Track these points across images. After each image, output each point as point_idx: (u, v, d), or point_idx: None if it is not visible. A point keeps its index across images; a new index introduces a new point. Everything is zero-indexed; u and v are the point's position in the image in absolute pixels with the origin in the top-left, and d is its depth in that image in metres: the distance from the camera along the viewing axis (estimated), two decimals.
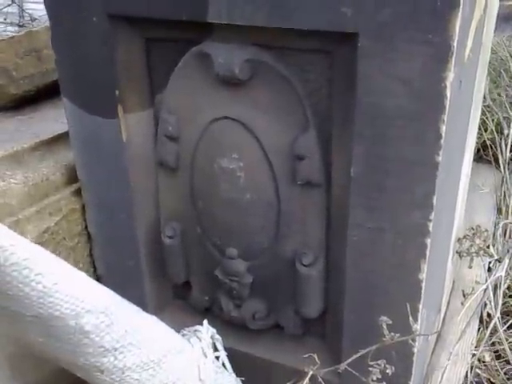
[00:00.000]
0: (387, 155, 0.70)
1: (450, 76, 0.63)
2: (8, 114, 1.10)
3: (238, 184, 0.82)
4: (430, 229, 0.72)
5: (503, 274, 1.06)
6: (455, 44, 0.62)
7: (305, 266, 0.84)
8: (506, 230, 1.49)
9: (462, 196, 1.15)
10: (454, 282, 1.28)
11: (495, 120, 1.86)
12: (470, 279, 1.28)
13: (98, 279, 1.02)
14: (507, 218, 1.55)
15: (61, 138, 0.99)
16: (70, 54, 0.83)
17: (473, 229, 1.16)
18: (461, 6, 0.60)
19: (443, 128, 0.66)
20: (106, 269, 1.00)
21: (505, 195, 1.63)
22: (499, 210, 1.61)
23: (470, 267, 1.20)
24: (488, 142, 1.82)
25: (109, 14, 0.77)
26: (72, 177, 0.96)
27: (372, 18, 0.64)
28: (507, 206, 1.59)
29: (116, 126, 0.85)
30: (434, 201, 0.70)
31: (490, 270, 1.31)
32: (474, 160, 1.77)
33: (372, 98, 0.68)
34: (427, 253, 0.74)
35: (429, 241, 0.73)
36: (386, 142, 0.69)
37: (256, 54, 0.74)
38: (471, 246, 1.14)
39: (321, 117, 0.76)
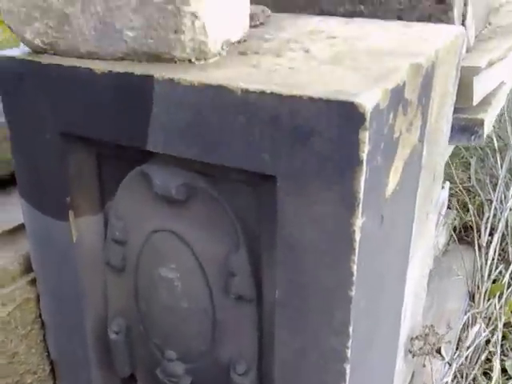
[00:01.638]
0: (306, 282, 0.73)
1: (359, 222, 0.67)
2: None
3: (175, 292, 0.86)
4: (348, 355, 0.75)
5: (449, 379, 1.07)
6: (361, 196, 0.65)
7: (238, 374, 0.87)
8: (474, 319, 1.49)
9: (416, 294, 1.17)
10: (413, 375, 1.29)
11: (477, 202, 1.88)
12: (428, 372, 1.29)
13: (52, 363, 1.05)
14: (479, 306, 1.56)
15: (23, 228, 1.05)
16: (25, 161, 0.89)
17: (427, 328, 1.17)
18: (364, 164, 0.64)
19: (354, 267, 0.69)
20: (58, 354, 1.04)
21: (480, 281, 1.64)
22: (472, 297, 1.61)
23: (424, 366, 1.21)
24: (469, 224, 1.83)
25: (61, 133, 0.83)
26: (29, 267, 1.01)
27: (287, 165, 0.68)
28: (480, 294, 1.59)
29: (67, 228, 0.90)
30: (350, 330, 0.73)
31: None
32: (455, 241, 1.79)
33: (289, 230, 0.71)
34: (347, 378, 0.76)
35: (348, 366, 0.76)
36: (304, 270, 0.73)
37: (191, 178, 0.79)
38: (424, 345, 1.15)
39: (251, 238, 0.80)
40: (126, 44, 0.77)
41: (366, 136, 0.63)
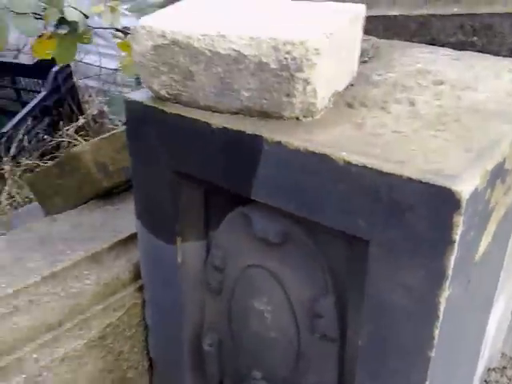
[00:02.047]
0: (388, 338, 0.79)
1: (445, 293, 0.72)
2: (100, 202, 1.30)
3: (265, 322, 0.95)
4: None
5: None
6: (450, 271, 0.70)
7: None
8: None
9: (498, 327, 1.18)
10: None
11: None
12: None
13: (150, 360, 1.19)
14: None
15: (135, 237, 1.17)
16: (143, 190, 1.01)
17: (505, 360, 1.19)
18: (456, 243, 0.68)
19: (436, 331, 0.74)
20: (156, 354, 1.17)
21: None
22: None
23: None
24: None
25: (175, 171, 0.93)
26: (137, 274, 1.14)
27: (381, 234, 0.74)
28: None
29: (174, 250, 1.01)
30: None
31: None
32: None
33: (377, 290, 0.77)
34: None
35: None
36: (387, 327, 0.78)
37: (288, 226, 0.86)
38: (501, 377, 1.18)
39: (339, 285, 0.86)
40: (241, 102, 0.85)
41: (460, 220, 0.67)
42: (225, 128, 0.84)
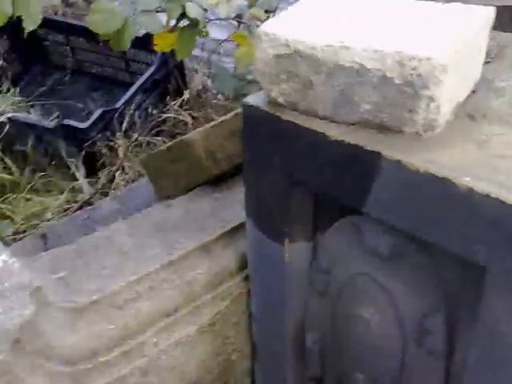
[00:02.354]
0: (499, 366, 0.78)
1: None
2: (208, 189, 1.35)
3: (370, 331, 0.96)
4: None
5: None
6: None
7: None
8: None
9: None
10: None
11: None
12: None
13: (253, 344, 1.25)
14: None
15: (242, 228, 1.21)
16: (254, 191, 1.03)
17: None
18: None
19: None
20: (259, 340, 1.22)
21: None
22: None
23: None
24: None
25: (287, 176, 0.94)
26: (244, 264, 1.18)
27: (499, 264, 0.71)
28: None
29: (281, 250, 1.03)
30: None
31: None
32: None
33: (493, 317, 0.76)
34: None
35: None
36: (500, 354, 0.77)
37: (401, 241, 0.85)
38: None
39: (452, 304, 0.85)
40: (361, 115, 0.83)
41: None
42: (342, 141, 0.84)
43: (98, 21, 1.14)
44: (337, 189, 0.89)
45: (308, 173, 0.92)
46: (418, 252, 0.85)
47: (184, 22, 1.20)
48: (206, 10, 1.19)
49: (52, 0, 1.05)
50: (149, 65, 2.14)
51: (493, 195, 0.69)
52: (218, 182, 1.38)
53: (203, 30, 1.21)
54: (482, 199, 0.70)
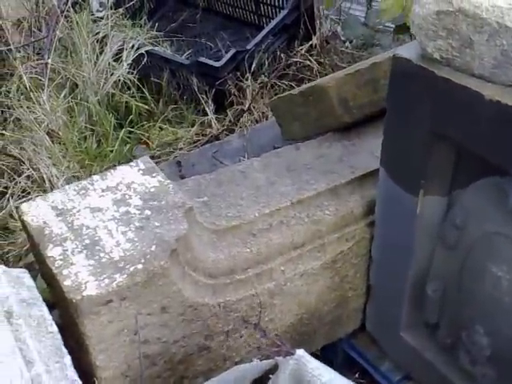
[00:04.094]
0: None
1: None
2: (336, 135, 1.41)
3: (500, 287, 0.99)
4: None
5: None
6: None
7: None
8: None
9: None
10: None
11: None
12: None
13: (368, 286, 1.32)
14: None
15: (370, 176, 1.26)
16: (393, 141, 1.07)
17: None
18: None
19: None
20: (375, 282, 1.30)
21: None
22: None
23: None
24: None
25: (432, 131, 0.98)
26: (369, 210, 1.24)
27: None
28: None
29: (414, 201, 1.08)
30: None
31: None
32: None
33: None
34: None
35: None
36: None
37: None
38: None
39: None
40: None
41: None
42: (498, 101, 0.85)
43: None
44: (486, 147, 0.91)
45: (457, 128, 0.94)
46: None
47: None
48: None
49: None
50: (278, 8, 2.17)
51: None
52: (346, 129, 1.43)
53: None
54: None
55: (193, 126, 1.88)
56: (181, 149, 1.81)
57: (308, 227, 1.20)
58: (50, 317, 0.73)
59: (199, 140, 1.84)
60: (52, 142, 1.71)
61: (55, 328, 0.72)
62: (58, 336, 0.72)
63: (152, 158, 1.69)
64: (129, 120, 1.92)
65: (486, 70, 0.88)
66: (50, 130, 1.73)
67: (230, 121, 1.87)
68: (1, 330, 0.62)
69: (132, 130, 1.89)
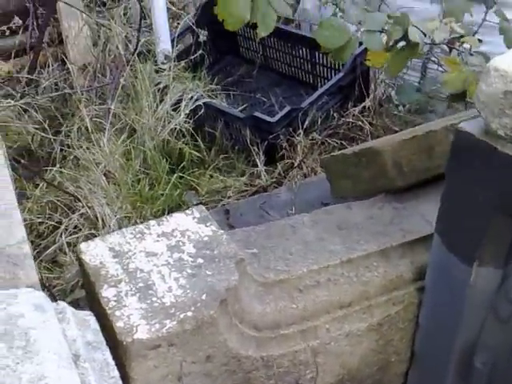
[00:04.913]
0: None
1: None
2: (388, 197, 1.41)
3: None
4: None
5: None
6: None
7: None
8: None
9: None
10: None
11: None
12: None
13: (412, 352, 1.29)
14: None
15: (421, 241, 1.26)
16: (451, 211, 1.07)
17: None
18: None
19: None
20: (421, 350, 1.26)
21: None
22: None
23: None
24: None
25: (491, 203, 0.98)
26: (419, 275, 1.22)
27: None
28: None
29: (467, 271, 1.06)
30: None
31: None
32: None
33: None
34: None
35: None
36: None
37: None
38: None
39: None
40: None
41: None
42: None
43: (326, 36, 1.25)
44: None
45: None
46: None
47: (401, 44, 1.26)
48: (425, 34, 1.25)
49: (283, 9, 1.15)
50: (333, 69, 2.24)
51: None
52: (398, 192, 1.43)
53: (420, 52, 1.27)
54: None
55: (242, 176, 1.93)
56: (229, 197, 1.84)
57: (356, 287, 1.19)
58: (113, 362, 0.74)
59: (247, 190, 1.88)
60: (108, 182, 1.77)
61: (117, 373, 0.74)
62: (120, 382, 0.73)
63: (200, 203, 1.73)
64: (181, 166, 1.98)
65: None
66: (107, 171, 1.80)
67: (279, 174, 1.91)
68: (69, 373, 0.64)
69: (183, 175, 1.94)
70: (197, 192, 1.90)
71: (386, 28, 1.23)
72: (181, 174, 1.94)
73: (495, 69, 0.90)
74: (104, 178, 1.77)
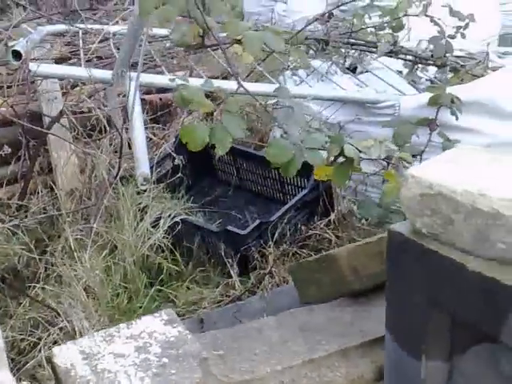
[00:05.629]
0: None
1: None
2: (349, 301, 1.52)
3: None
4: None
5: None
6: None
7: None
8: None
9: None
10: None
11: None
12: None
13: None
14: None
15: (380, 341, 1.34)
16: (396, 308, 1.18)
17: None
18: None
19: None
20: None
21: None
22: None
23: None
24: None
25: (426, 297, 1.09)
26: (380, 375, 1.29)
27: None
28: None
29: (418, 366, 1.14)
30: None
31: None
32: None
33: None
34: None
35: None
36: None
37: None
38: None
39: None
40: (496, 252, 0.97)
41: None
42: (479, 273, 0.97)
43: (274, 154, 1.45)
44: (473, 315, 1.01)
45: (447, 297, 1.05)
46: None
47: (341, 159, 1.46)
48: (360, 151, 1.45)
49: (237, 133, 1.34)
50: (300, 187, 2.44)
51: None
52: (358, 295, 1.54)
53: (357, 166, 1.46)
54: None
55: (218, 287, 2.02)
56: (205, 308, 1.92)
57: None
58: None
59: (223, 300, 1.96)
60: (87, 296, 1.86)
61: None
62: None
63: (178, 315, 1.81)
64: (159, 279, 2.08)
65: (468, 244, 1.02)
66: (87, 286, 1.89)
67: (252, 283, 2.01)
68: None
69: (162, 288, 2.04)
70: (174, 304, 1.98)
71: (325, 146, 1.43)
72: (159, 287, 2.04)
73: (412, 176, 1.07)
74: (84, 293, 1.86)
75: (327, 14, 3.03)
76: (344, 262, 1.53)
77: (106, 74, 2.15)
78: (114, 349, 1.14)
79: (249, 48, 1.31)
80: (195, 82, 1.68)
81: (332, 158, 1.44)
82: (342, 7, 3.32)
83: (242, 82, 1.42)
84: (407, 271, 1.12)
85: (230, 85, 1.62)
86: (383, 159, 1.55)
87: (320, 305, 1.53)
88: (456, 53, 3.22)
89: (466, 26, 2.46)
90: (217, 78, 3.00)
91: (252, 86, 1.83)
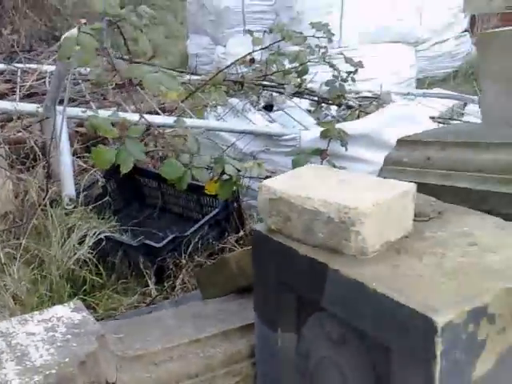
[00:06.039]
0: None
1: None
2: (238, 295, 1.81)
3: None
4: None
5: None
6: (437, 379, 1.03)
7: None
8: None
9: None
10: None
11: None
12: None
13: None
14: None
15: (252, 325, 1.63)
16: (259, 290, 1.48)
17: None
18: (438, 357, 1.02)
19: None
20: None
21: None
22: None
23: None
24: None
25: (277, 279, 1.40)
26: (253, 352, 1.58)
27: (396, 343, 1.10)
28: None
29: (276, 337, 1.44)
30: None
31: None
32: None
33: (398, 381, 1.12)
34: None
35: None
36: None
37: (347, 330, 1.26)
38: None
39: (385, 380, 1.22)
40: (318, 240, 1.30)
41: (438, 341, 1.02)
42: (305, 255, 1.30)
43: (167, 171, 1.77)
44: (306, 289, 1.32)
45: (290, 278, 1.37)
46: (358, 339, 1.24)
47: (225, 176, 1.79)
48: (239, 170, 1.78)
49: (138, 155, 1.65)
50: (215, 208, 2.75)
51: (389, 296, 1.11)
52: (244, 290, 1.84)
53: (238, 183, 1.79)
54: (381, 298, 1.12)
55: (135, 295, 2.28)
56: (123, 312, 2.17)
57: (202, 361, 1.53)
58: None
59: (140, 306, 2.22)
60: (15, 303, 2.07)
61: None
62: None
63: (96, 319, 2.05)
64: (83, 290, 2.32)
65: (300, 235, 1.34)
66: (15, 295, 2.11)
67: (166, 291, 2.28)
68: None
69: (84, 297, 2.28)
70: (95, 310, 2.22)
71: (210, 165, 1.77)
72: (82, 297, 2.27)
73: (263, 185, 1.39)
74: (12, 301, 2.08)
75: (250, 58, 3.43)
76: (233, 263, 1.84)
77: (32, 107, 2.42)
78: (27, 329, 1.38)
79: (148, 87, 1.62)
80: (105, 113, 1.98)
81: (217, 175, 1.76)
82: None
83: (143, 115, 1.73)
84: (264, 260, 1.43)
85: (133, 116, 1.93)
86: (264, 178, 1.88)
87: (213, 299, 1.82)
88: (365, 94, 3.67)
89: (356, 71, 2.88)
90: (150, 112, 3.31)
91: (155, 118, 2.15)
